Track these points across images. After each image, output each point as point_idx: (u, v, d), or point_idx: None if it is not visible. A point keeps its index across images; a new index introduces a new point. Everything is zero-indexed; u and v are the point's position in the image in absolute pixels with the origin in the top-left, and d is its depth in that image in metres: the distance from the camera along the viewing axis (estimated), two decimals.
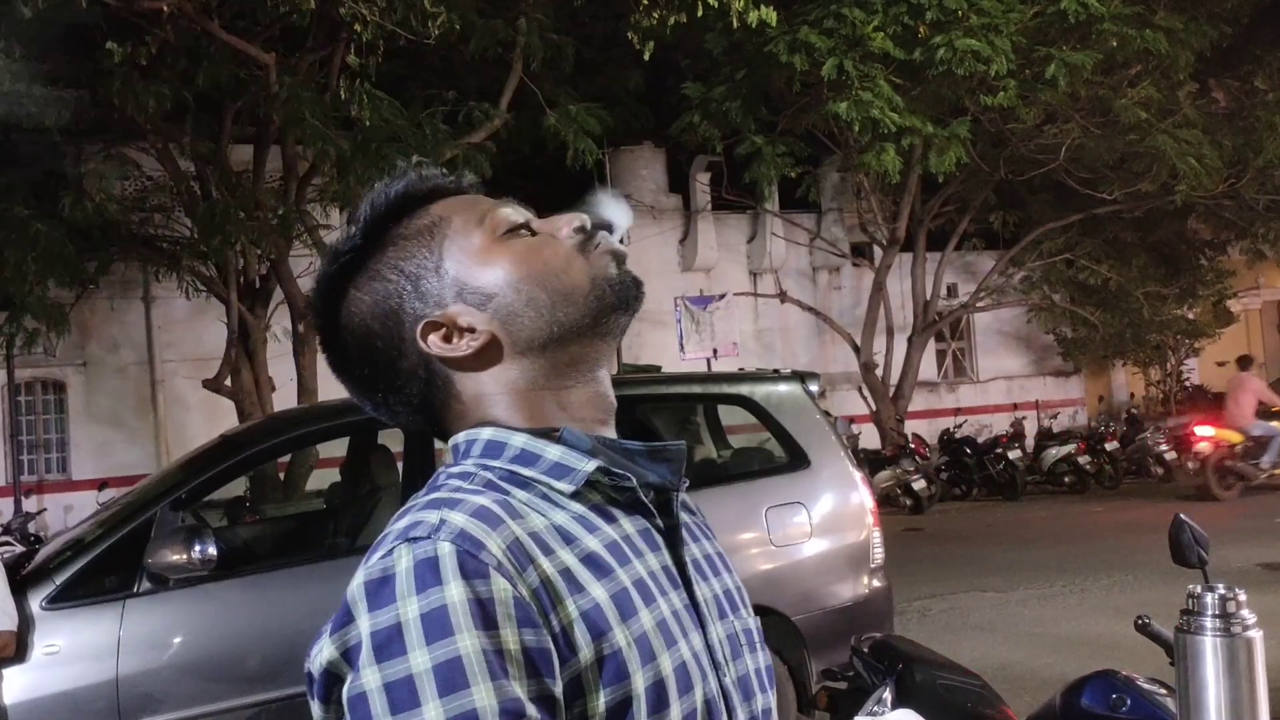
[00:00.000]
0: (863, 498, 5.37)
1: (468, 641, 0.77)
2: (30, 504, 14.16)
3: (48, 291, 11.98)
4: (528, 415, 0.95)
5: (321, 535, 6.00)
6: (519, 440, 0.93)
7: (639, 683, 0.83)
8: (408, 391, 0.98)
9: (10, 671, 4.04)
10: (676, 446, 0.98)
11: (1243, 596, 1.99)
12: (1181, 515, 2.51)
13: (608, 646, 0.83)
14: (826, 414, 5.77)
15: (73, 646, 4.17)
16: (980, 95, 13.69)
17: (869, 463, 15.25)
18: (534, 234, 0.98)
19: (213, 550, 4.20)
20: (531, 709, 0.77)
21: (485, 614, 0.78)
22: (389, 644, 0.77)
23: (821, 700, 4.09)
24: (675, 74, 14.73)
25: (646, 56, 10.68)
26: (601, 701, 0.82)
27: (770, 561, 5.09)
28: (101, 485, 13.37)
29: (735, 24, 10.15)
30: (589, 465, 0.91)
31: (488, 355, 0.95)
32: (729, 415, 6.23)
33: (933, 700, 3.18)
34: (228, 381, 12.60)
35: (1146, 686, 2.86)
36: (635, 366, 7.08)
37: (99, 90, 10.39)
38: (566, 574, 0.84)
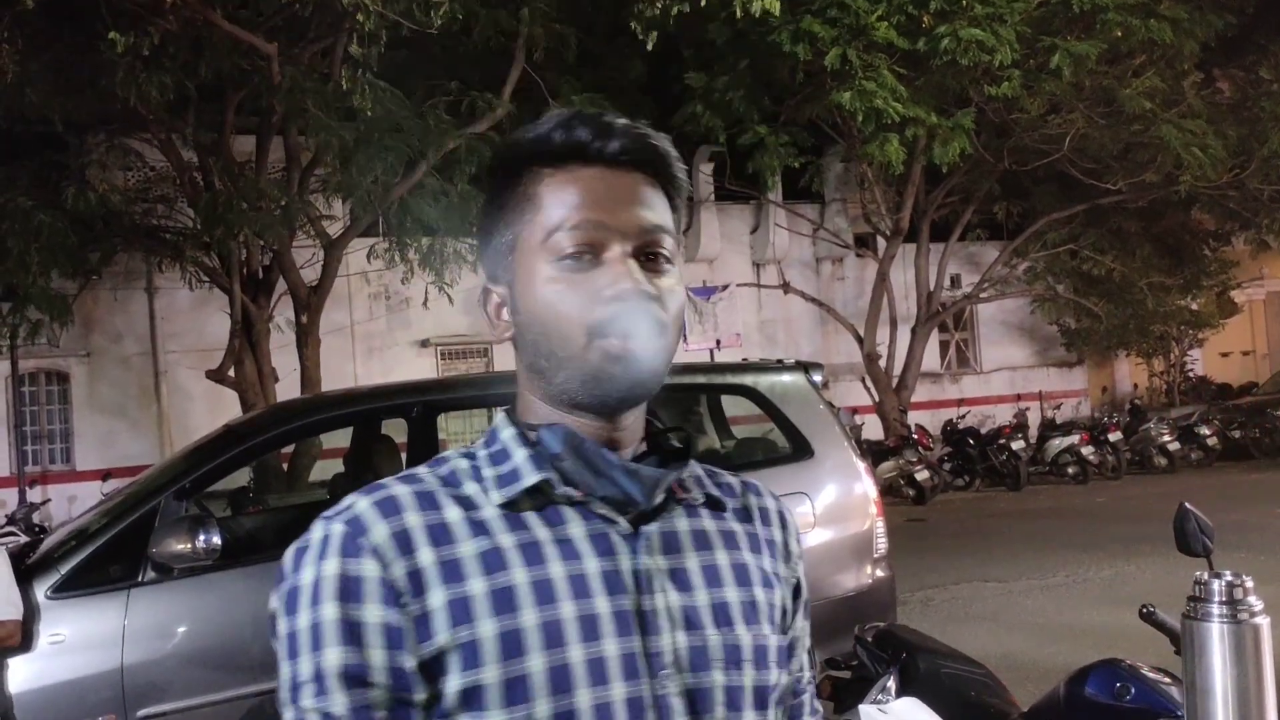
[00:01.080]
0: (866, 488, 5.36)
1: (329, 610, 0.91)
2: (34, 494, 14.16)
3: (51, 282, 11.97)
4: (533, 408, 1.03)
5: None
6: (505, 436, 1.02)
7: (493, 673, 0.91)
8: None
9: (16, 660, 4.05)
10: (652, 473, 1.00)
11: (1250, 583, 1.98)
12: (1186, 504, 2.51)
13: (465, 635, 0.91)
14: (830, 404, 5.76)
15: (77, 635, 4.17)
16: (984, 85, 13.66)
17: (872, 453, 15.24)
18: (597, 259, 0.98)
19: (217, 540, 4.21)
20: (379, 675, 0.90)
21: (349, 589, 0.91)
22: (288, 601, 0.93)
23: (825, 689, 4.09)
24: (678, 64, 14.69)
25: (649, 46, 10.65)
26: (454, 683, 0.91)
27: None
28: (105, 476, 13.39)
29: (738, 13, 10.12)
30: (530, 479, 0.97)
31: (514, 343, 1.03)
32: (733, 406, 6.22)
33: (936, 689, 3.18)
34: (231, 372, 12.60)
35: (1151, 675, 2.85)
36: None
37: (101, 81, 10.37)
38: (449, 565, 0.93)
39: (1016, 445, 16.01)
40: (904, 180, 16.60)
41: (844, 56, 12.56)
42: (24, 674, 4.06)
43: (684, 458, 1.04)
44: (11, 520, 11.39)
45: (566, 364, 0.98)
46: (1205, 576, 2.01)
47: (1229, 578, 1.98)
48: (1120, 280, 19.28)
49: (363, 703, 0.89)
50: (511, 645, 0.91)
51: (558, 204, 0.98)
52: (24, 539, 8.41)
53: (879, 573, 5.32)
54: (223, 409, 11.79)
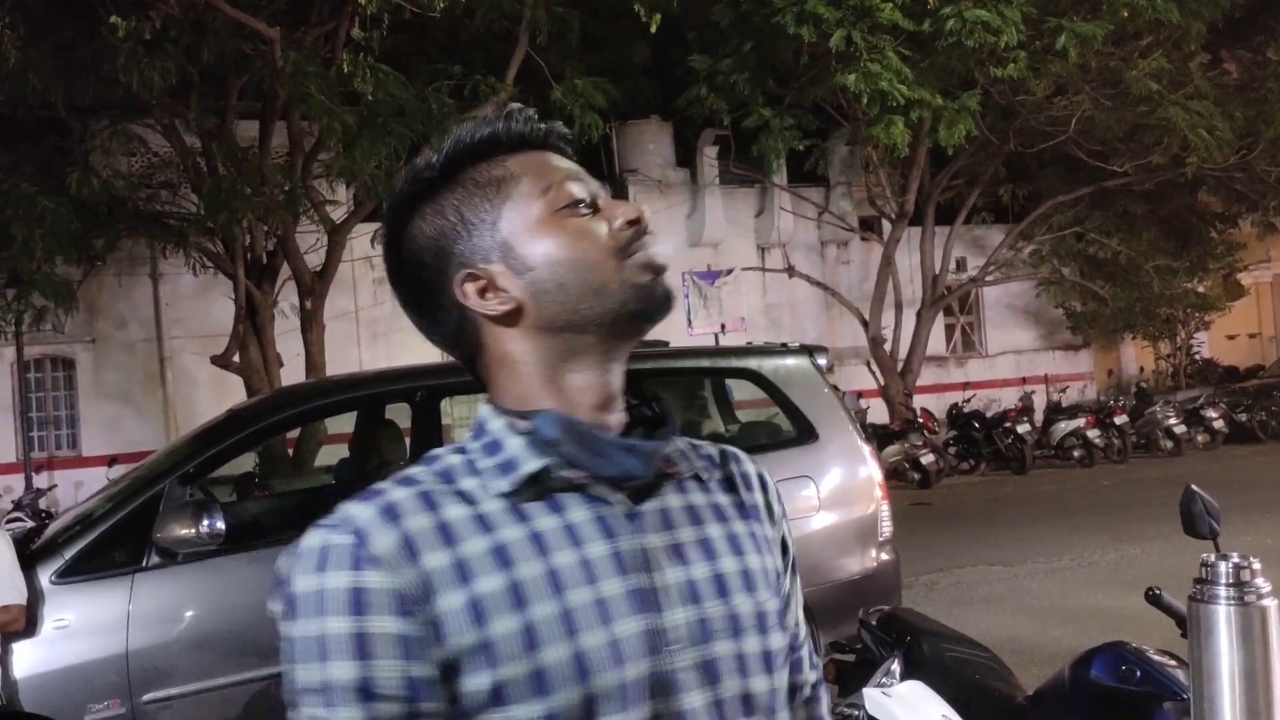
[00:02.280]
0: (871, 471, 5.35)
1: (335, 624, 0.89)
2: (41, 480, 14.20)
3: (55, 268, 11.98)
4: (532, 388, 1.01)
5: (328, 510, 5.99)
6: (494, 427, 1.00)
7: (518, 668, 0.91)
8: (445, 325, 1.05)
9: (20, 645, 4.06)
10: (649, 446, 1.01)
11: (1257, 565, 1.97)
12: (1193, 486, 2.49)
13: (486, 634, 0.91)
14: (834, 388, 5.75)
15: (82, 621, 4.18)
16: (990, 67, 13.58)
17: (877, 437, 15.23)
18: (596, 210, 1.03)
19: (221, 525, 4.21)
20: (392, 686, 0.89)
21: (356, 601, 0.89)
22: (292, 607, 0.91)
23: (829, 673, 4.10)
24: (682, 46, 14.63)
25: (653, 29, 10.61)
26: (478, 682, 0.90)
27: None
28: (111, 461, 13.43)
29: None
30: (531, 466, 0.97)
31: (512, 320, 1.01)
32: (737, 390, 6.22)
33: (941, 672, 3.17)
34: (236, 357, 12.61)
35: (1156, 658, 2.84)
36: (643, 341, 7.06)
37: (104, 66, 10.35)
38: (458, 566, 0.92)
39: (1022, 429, 15.99)
40: (909, 163, 16.55)
41: (849, 38, 12.49)
42: (29, 659, 4.07)
43: (662, 429, 1.05)
44: (18, 506, 11.43)
45: (604, 290, 0.99)
46: (1212, 558, 2.00)
47: (1236, 559, 1.97)
48: (1126, 263, 19.23)
49: (373, 715, 0.89)
50: (531, 639, 0.91)
51: (539, 173, 1.02)
52: (30, 524, 8.43)
53: (884, 556, 5.31)
54: (228, 394, 11.80)
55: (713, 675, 0.98)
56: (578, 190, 1.02)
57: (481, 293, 1.01)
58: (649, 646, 0.95)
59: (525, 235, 1.00)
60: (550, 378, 1.01)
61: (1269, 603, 1.91)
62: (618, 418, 1.03)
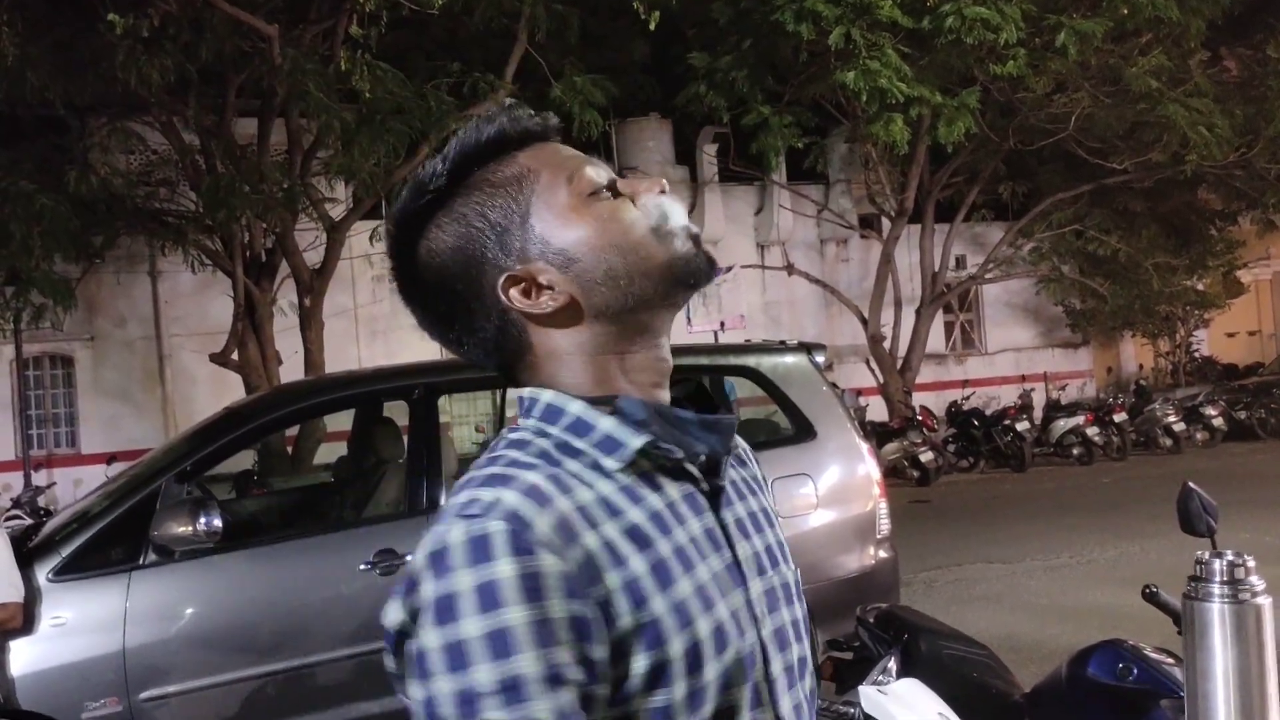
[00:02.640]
0: (869, 469, 5.35)
1: (515, 614, 0.84)
2: (39, 478, 14.19)
3: (54, 266, 11.97)
4: (592, 377, 1.00)
5: (327, 508, 6.00)
6: (575, 409, 0.98)
7: (676, 647, 0.90)
8: (483, 334, 1.02)
9: (17, 643, 4.06)
10: (728, 421, 1.03)
11: (1252, 563, 1.96)
12: (1190, 483, 2.49)
13: (646, 615, 0.90)
14: (833, 385, 5.74)
15: (79, 618, 4.18)
16: (989, 64, 13.56)
17: (876, 434, 15.23)
18: (616, 195, 1.02)
19: (218, 522, 4.20)
20: (574, 672, 0.85)
21: (532, 588, 0.85)
22: (447, 610, 0.85)
23: (827, 670, 4.09)
24: (681, 44, 14.62)
25: (652, 26, 10.60)
26: (641, 664, 0.89)
27: None
28: (110, 459, 13.41)
29: None
30: (637, 441, 0.96)
31: (564, 315, 0.99)
32: (737, 387, 6.21)
33: (938, 670, 3.17)
34: (234, 355, 12.61)
35: (1153, 656, 2.84)
36: None
37: (102, 63, 10.34)
38: (609, 547, 0.91)
39: (1021, 426, 15.99)
40: (908, 160, 16.54)
41: (848, 35, 12.47)
42: (26, 657, 4.06)
43: (708, 404, 1.08)
44: (17, 504, 11.41)
45: (651, 267, 1.00)
46: (1206, 556, 1.99)
47: (1230, 557, 1.96)
48: (1126, 260, 19.21)
49: (564, 704, 0.85)
50: (683, 617, 0.92)
51: (556, 164, 1.02)
52: (28, 522, 8.42)
53: (882, 554, 5.31)
54: (226, 392, 11.80)
55: (784, 642, 1.02)
56: (598, 175, 1.02)
57: (526, 294, 0.99)
58: (751, 617, 0.98)
59: (561, 228, 0.99)
60: (609, 364, 1.01)
61: (1263, 601, 1.91)
62: (669, 394, 1.04)
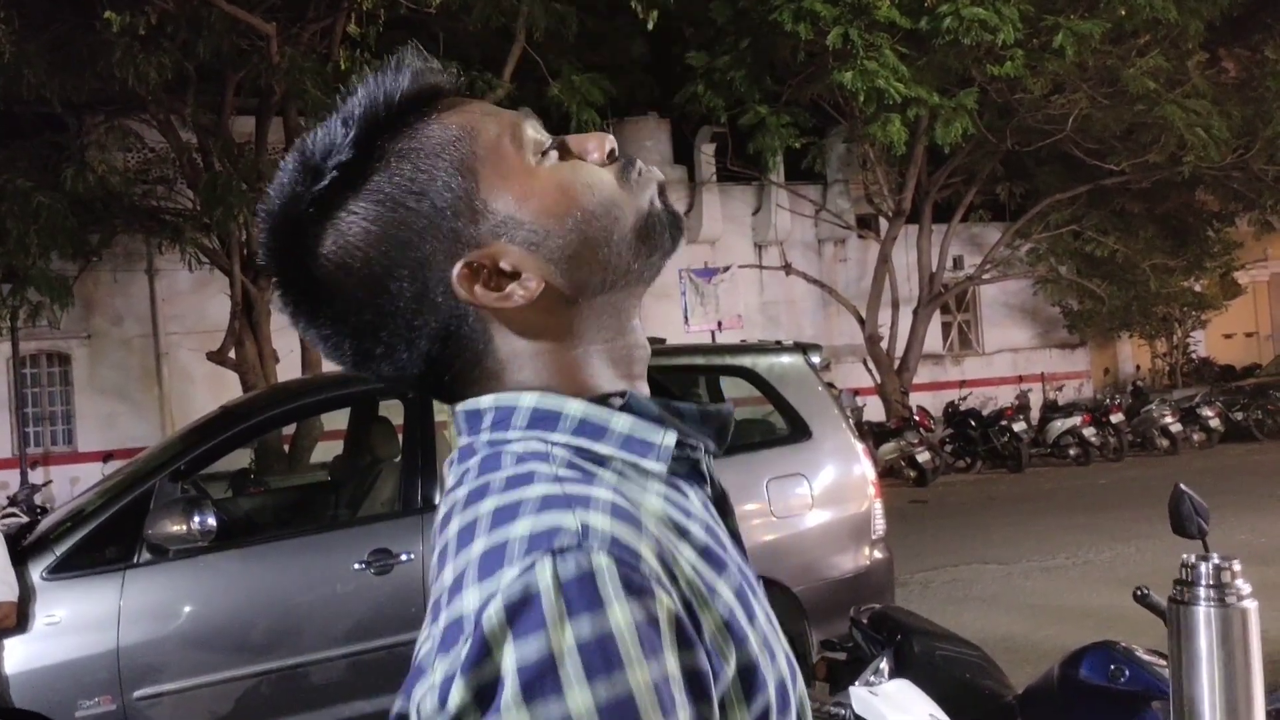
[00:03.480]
0: (864, 469, 5.36)
1: (639, 675, 0.65)
2: (36, 476, 14.18)
3: (51, 264, 11.98)
4: (571, 376, 0.82)
5: (322, 507, 6.01)
6: (576, 408, 0.79)
7: (772, 688, 0.75)
8: (421, 343, 0.81)
9: (11, 642, 4.06)
10: (728, 410, 0.87)
11: (1238, 566, 1.96)
12: (1181, 486, 2.49)
13: (748, 656, 0.74)
14: (829, 385, 5.75)
15: (73, 617, 4.18)
16: (987, 65, 13.58)
17: (873, 435, 15.24)
18: (565, 155, 0.84)
19: (212, 521, 4.21)
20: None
21: (654, 640, 0.66)
22: (541, 680, 0.64)
23: (820, 671, 4.09)
24: (679, 43, 14.63)
25: (650, 26, 10.60)
26: (748, 717, 0.73)
27: (771, 533, 5.09)
28: (106, 457, 13.40)
29: None
30: (668, 438, 0.79)
31: (538, 306, 0.80)
32: (732, 387, 6.21)
33: (931, 671, 3.17)
34: (231, 353, 12.61)
35: (1145, 657, 2.85)
36: None
37: (100, 61, 10.34)
38: (699, 575, 0.74)
39: (1018, 427, 16.00)
40: (906, 161, 16.54)
41: (846, 36, 12.49)
42: (20, 655, 4.07)
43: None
44: (13, 502, 11.42)
45: (623, 228, 0.83)
46: (1192, 559, 2.00)
47: (1217, 560, 1.97)
48: (1123, 261, 19.23)
49: None
50: (770, 652, 0.77)
51: (492, 120, 0.83)
52: (24, 520, 8.42)
53: (877, 554, 5.32)
54: (224, 390, 11.79)
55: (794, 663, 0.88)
56: (541, 132, 0.85)
57: (488, 284, 0.79)
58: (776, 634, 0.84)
59: (522, 197, 0.80)
60: (589, 357, 0.83)
61: (1249, 604, 1.91)
62: (648, 386, 0.88)
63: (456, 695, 0.66)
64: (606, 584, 0.66)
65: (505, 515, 0.71)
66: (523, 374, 0.82)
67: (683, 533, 0.75)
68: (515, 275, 0.80)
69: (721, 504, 0.86)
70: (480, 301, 0.79)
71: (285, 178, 0.80)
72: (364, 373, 0.85)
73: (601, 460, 0.77)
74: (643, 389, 0.86)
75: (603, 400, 0.81)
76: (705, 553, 0.76)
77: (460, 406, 0.83)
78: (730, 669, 0.72)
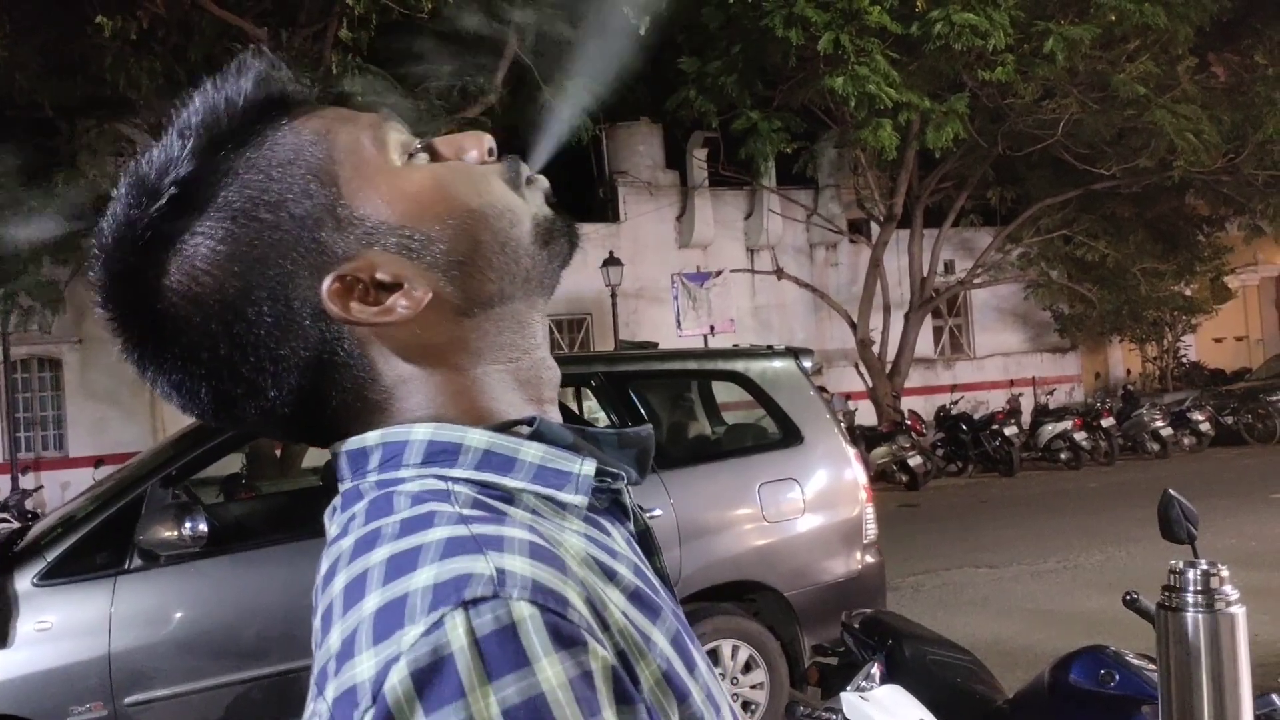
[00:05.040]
0: (856, 474, 5.36)
1: None
2: (28, 481, 14.16)
3: (42, 269, 11.94)
4: (470, 400, 0.72)
5: (313, 512, 5.98)
6: (478, 439, 0.69)
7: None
8: (289, 378, 0.70)
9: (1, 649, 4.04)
10: (646, 433, 0.77)
11: (1226, 572, 1.97)
12: (1170, 491, 2.50)
13: (690, 713, 0.64)
14: (821, 390, 5.76)
15: (64, 623, 4.16)
16: (978, 70, 13.63)
17: (865, 439, 15.27)
18: (435, 158, 0.76)
19: (203, 527, 4.19)
20: None
21: (590, 699, 0.57)
22: None
23: (812, 676, 4.10)
24: (672, 49, 14.65)
25: (642, 31, 10.61)
26: None
27: (763, 537, 5.09)
28: (98, 462, 13.39)
29: None
30: (586, 466, 0.70)
31: (425, 320, 0.70)
32: (724, 392, 6.22)
33: (922, 675, 3.18)
34: None
35: (1135, 661, 2.85)
36: (632, 343, 7.07)
37: (91, 65, 10.33)
38: (631, 622, 0.64)
39: (1009, 431, 16.04)
40: (897, 165, 16.59)
41: (837, 41, 12.53)
42: (10, 662, 4.05)
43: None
44: (4, 507, 11.39)
45: (519, 231, 0.73)
46: (1180, 565, 2.00)
47: (1205, 566, 1.97)
48: (1114, 266, 19.30)
49: None
50: (714, 706, 0.67)
51: (350, 123, 0.74)
52: (15, 525, 8.40)
53: (868, 559, 5.32)
54: None
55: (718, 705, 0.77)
56: (405, 134, 0.76)
57: (364, 299, 0.69)
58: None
59: (391, 200, 0.71)
60: (491, 379, 0.73)
61: (1237, 610, 1.92)
62: (559, 411, 0.78)
63: None
64: (532, 637, 0.56)
65: (403, 564, 0.60)
66: (413, 402, 0.71)
67: (610, 575, 0.65)
68: (396, 286, 0.70)
69: (645, 541, 0.76)
70: (357, 318, 0.69)
71: (118, 205, 0.71)
72: (225, 423, 0.74)
73: (510, 497, 0.67)
74: (553, 414, 0.75)
75: (508, 428, 0.70)
76: (635, 596, 0.66)
77: (342, 446, 0.72)
78: (669, 700, 0.63)
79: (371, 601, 0.59)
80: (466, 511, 0.64)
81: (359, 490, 0.69)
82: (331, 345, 0.70)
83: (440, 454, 0.68)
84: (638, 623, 0.64)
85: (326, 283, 0.69)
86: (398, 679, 0.55)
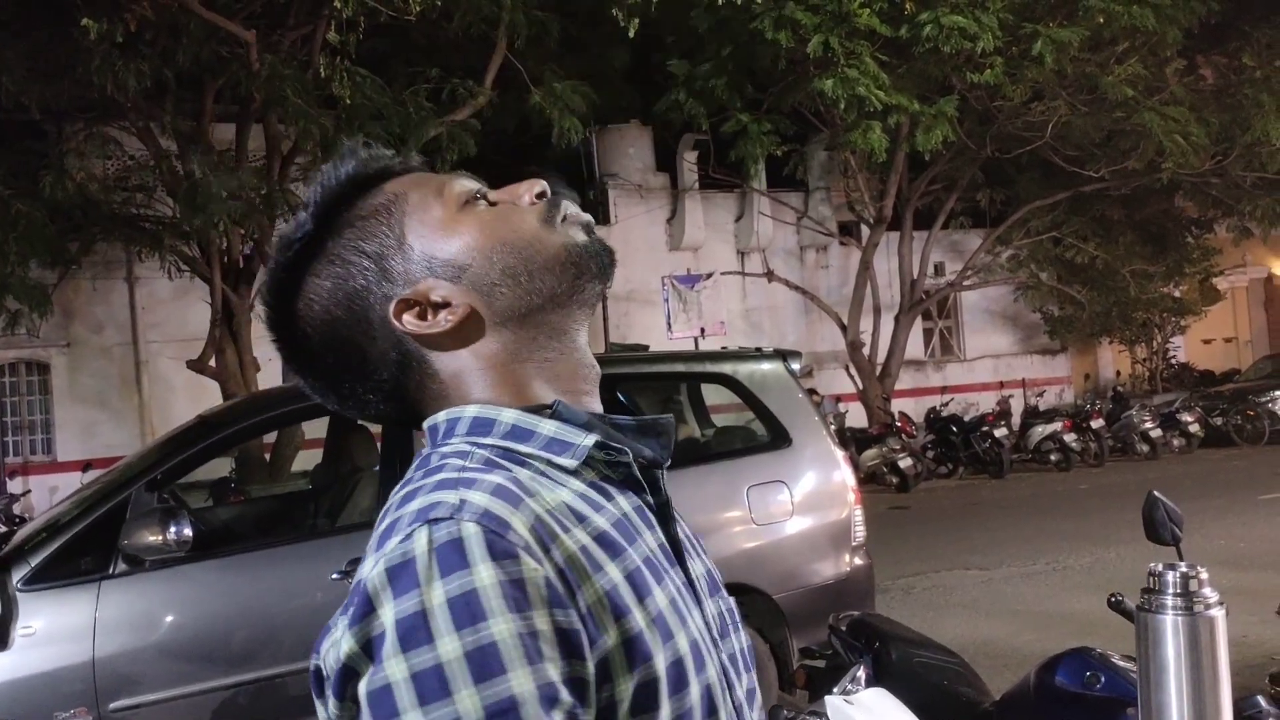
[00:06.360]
0: (844, 476, 5.36)
1: (501, 626, 0.73)
2: (15, 485, 14.09)
3: (29, 272, 11.90)
4: (513, 390, 0.92)
5: (300, 516, 5.97)
6: (509, 416, 0.90)
7: (661, 662, 0.81)
8: (379, 378, 0.94)
9: None
10: (666, 420, 0.96)
11: (1205, 574, 1.97)
12: (1155, 492, 2.50)
13: (631, 627, 0.80)
14: (812, 392, 5.76)
15: (48, 628, 4.14)
16: (967, 72, 13.66)
17: (855, 441, 15.29)
18: (492, 204, 0.96)
19: (188, 531, 4.18)
20: (566, 694, 0.74)
21: (517, 596, 0.75)
22: (415, 631, 0.73)
23: (800, 678, 4.10)
24: (661, 51, 14.66)
25: (632, 34, 10.62)
26: (629, 684, 0.79)
27: (752, 540, 5.08)
28: (86, 466, 13.31)
29: (720, 0, 10.09)
30: (587, 439, 0.88)
31: (467, 330, 0.92)
32: (713, 394, 6.21)
33: (909, 678, 3.18)
34: (212, 362, 12.55)
35: (1121, 663, 2.85)
36: (623, 345, 7.07)
37: (78, 68, 10.29)
38: (585, 553, 0.81)
39: (999, 433, 16.06)
40: (887, 168, 16.61)
41: (826, 44, 12.54)
42: None
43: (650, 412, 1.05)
44: None
45: (550, 260, 0.94)
46: (1160, 568, 2.00)
47: (1184, 569, 1.97)
48: (1103, 267, 19.35)
49: None
50: (664, 629, 0.82)
51: (423, 183, 0.97)
52: (3, 530, 8.36)
53: (857, 561, 5.32)
54: (204, 399, 11.72)
55: (738, 669, 0.94)
56: (470, 184, 0.97)
57: (421, 316, 0.92)
58: (711, 639, 0.90)
59: (443, 239, 0.93)
60: (529, 373, 0.93)
61: (1216, 613, 1.92)
62: (599, 403, 0.97)
63: (346, 646, 0.76)
64: (473, 548, 0.76)
65: (408, 498, 0.82)
66: (468, 391, 0.93)
67: (580, 519, 0.84)
68: (445, 305, 0.92)
69: (664, 512, 0.94)
70: (410, 330, 0.92)
71: (274, 252, 0.97)
72: (352, 413, 1.00)
73: (522, 460, 0.87)
74: (591, 404, 0.95)
75: (538, 410, 0.91)
76: (600, 538, 0.83)
77: (425, 424, 0.95)
78: (610, 639, 0.79)
79: (384, 523, 0.82)
80: (469, 464, 0.85)
81: (428, 457, 0.90)
82: (403, 351, 0.93)
83: (480, 427, 0.90)
84: (594, 555, 0.82)
85: (391, 306, 0.92)
86: (376, 574, 0.77)
